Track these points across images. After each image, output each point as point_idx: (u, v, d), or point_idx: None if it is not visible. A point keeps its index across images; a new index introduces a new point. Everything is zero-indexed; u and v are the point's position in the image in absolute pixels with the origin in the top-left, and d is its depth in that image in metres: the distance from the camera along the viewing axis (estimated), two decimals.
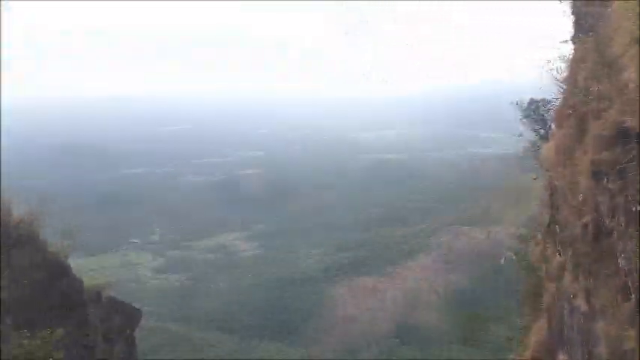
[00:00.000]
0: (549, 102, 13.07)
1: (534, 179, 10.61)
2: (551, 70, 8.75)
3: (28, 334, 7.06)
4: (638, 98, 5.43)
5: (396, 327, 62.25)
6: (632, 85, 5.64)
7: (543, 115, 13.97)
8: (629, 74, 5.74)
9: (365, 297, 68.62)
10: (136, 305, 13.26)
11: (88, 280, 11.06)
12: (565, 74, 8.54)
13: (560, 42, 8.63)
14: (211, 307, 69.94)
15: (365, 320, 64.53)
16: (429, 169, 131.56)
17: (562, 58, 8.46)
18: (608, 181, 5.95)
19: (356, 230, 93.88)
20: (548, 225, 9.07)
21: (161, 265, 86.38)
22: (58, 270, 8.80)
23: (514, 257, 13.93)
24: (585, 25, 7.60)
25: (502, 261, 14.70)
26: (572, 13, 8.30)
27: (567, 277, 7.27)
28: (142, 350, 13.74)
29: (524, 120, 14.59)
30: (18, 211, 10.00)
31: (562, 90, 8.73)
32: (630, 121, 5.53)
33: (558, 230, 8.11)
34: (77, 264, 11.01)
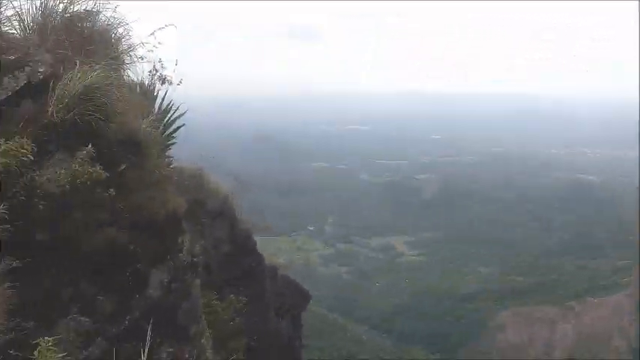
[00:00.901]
0: None
1: None
2: None
3: (216, 297, 8.11)
4: None
5: None
6: None
7: None
8: None
9: (534, 327, 62.39)
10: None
11: (268, 258, 12.09)
12: None
13: None
14: (370, 304, 71.37)
15: (529, 352, 58.81)
16: (634, 197, 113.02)
17: None
18: None
19: (537, 254, 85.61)
20: None
21: (330, 255, 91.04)
22: (246, 245, 9.88)
23: None
24: None
25: None
26: None
27: None
28: (304, 332, 14.64)
29: None
30: (220, 188, 11.31)
31: None
32: None
33: None
34: (258, 241, 12.06)
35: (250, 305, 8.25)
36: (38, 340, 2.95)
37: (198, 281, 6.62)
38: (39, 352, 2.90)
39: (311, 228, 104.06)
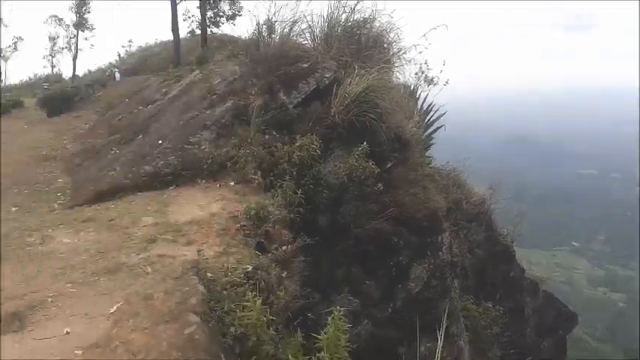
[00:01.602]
0: None
1: None
2: None
3: (472, 301, 7.85)
4: None
5: None
6: None
7: None
8: None
9: None
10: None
11: (527, 271, 11.19)
12: None
13: None
14: None
15: None
16: None
17: None
18: None
19: None
20: None
21: (598, 278, 78.68)
22: (505, 252, 9.31)
23: None
24: None
25: None
26: None
27: None
28: (568, 357, 13.01)
29: None
30: (476, 191, 10.94)
31: None
32: None
33: None
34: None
35: (508, 317, 7.72)
36: (332, 309, 3.32)
37: (456, 282, 6.55)
38: (332, 319, 3.27)
39: (575, 244, 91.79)
